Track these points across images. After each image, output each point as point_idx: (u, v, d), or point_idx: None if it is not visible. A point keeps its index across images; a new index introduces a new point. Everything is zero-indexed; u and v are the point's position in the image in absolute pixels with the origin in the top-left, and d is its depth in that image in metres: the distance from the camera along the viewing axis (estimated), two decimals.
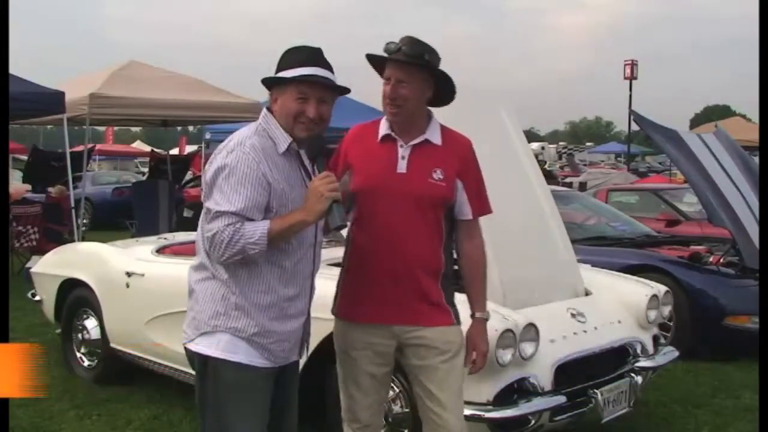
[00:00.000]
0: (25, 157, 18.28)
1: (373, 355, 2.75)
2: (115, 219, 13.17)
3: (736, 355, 5.82)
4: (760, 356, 3.61)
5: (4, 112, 3.48)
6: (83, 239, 8.99)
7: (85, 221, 11.87)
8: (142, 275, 4.84)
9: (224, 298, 2.42)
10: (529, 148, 4.82)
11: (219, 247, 2.32)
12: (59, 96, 8.83)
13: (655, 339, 4.30)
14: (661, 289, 4.42)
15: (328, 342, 3.60)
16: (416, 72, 2.66)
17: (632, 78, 32.21)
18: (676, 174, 19.43)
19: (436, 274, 2.74)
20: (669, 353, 4.28)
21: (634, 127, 23.76)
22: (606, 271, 4.83)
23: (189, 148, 31.50)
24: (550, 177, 20.49)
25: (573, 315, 3.95)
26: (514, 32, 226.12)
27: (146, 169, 19.11)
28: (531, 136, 62.04)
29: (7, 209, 9.02)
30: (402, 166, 2.72)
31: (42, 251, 7.21)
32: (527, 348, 3.49)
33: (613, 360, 3.96)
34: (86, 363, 5.36)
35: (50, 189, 11.16)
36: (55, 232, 9.83)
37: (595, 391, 3.70)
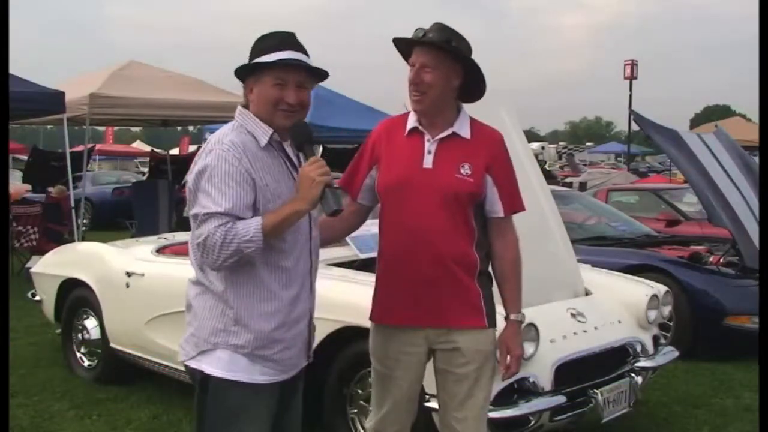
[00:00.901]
0: (25, 157, 18.32)
1: (406, 364, 2.66)
2: (115, 219, 13.18)
3: (736, 355, 5.81)
4: (760, 356, 3.61)
5: (4, 112, 3.48)
6: (83, 239, 8.99)
7: (85, 221, 11.88)
8: (142, 275, 4.84)
9: (223, 314, 2.30)
10: (530, 148, 4.81)
11: (212, 250, 2.18)
12: (59, 96, 8.83)
13: (655, 339, 4.30)
14: (661, 289, 4.42)
15: (329, 342, 3.62)
16: (441, 57, 2.56)
17: (632, 78, 32.24)
18: (676, 174, 19.43)
19: (469, 272, 2.63)
20: (669, 353, 4.28)
21: (634, 127, 23.75)
22: (606, 271, 4.83)
23: (190, 148, 31.52)
24: (549, 177, 20.54)
25: (573, 315, 3.94)
26: (514, 32, 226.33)
27: (146, 169, 19.10)
28: (531, 136, 62.07)
29: (7, 209, 9.03)
30: (428, 161, 2.62)
31: (42, 251, 7.21)
32: (527, 348, 3.48)
33: (613, 360, 3.95)
34: (86, 363, 5.36)
35: (50, 189, 11.15)
36: (55, 232, 9.83)
37: (595, 391, 3.69)
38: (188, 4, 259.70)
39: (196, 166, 2.27)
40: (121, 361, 5.06)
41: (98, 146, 26.10)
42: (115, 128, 35.63)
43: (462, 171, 2.60)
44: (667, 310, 4.46)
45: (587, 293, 4.31)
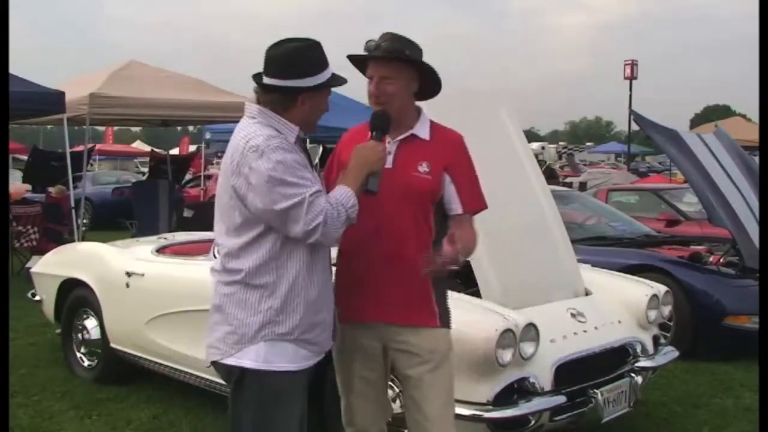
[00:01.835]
0: (25, 157, 18.30)
1: (362, 357, 2.75)
2: (115, 219, 13.18)
3: (736, 355, 5.81)
4: (760, 356, 3.61)
5: (4, 112, 3.48)
6: (83, 239, 8.99)
7: (85, 221, 11.87)
8: (142, 275, 4.84)
9: (267, 307, 2.41)
10: (529, 148, 4.81)
11: (334, 222, 2.34)
12: (59, 96, 8.83)
13: (655, 339, 4.30)
14: (661, 289, 4.42)
15: None
16: (399, 67, 2.65)
17: (632, 78, 32.24)
18: (676, 174, 19.44)
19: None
20: (669, 353, 4.28)
21: (634, 127, 23.78)
22: (606, 271, 4.83)
23: (191, 148, 31.51)
24: (552, 176, 20.54)
25: (573, 315, 3.94)
26: (515, 32, 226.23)
27: (146, 169, 19.10)
28: (531, 136, 61.98)
29: (7, 209, 9.03)
30: (389, 162, 2.70)
31: (42, 251, 7.21)
32: (527, 348, 3.49)
33: (613, 360, 3.95)
34: (86, 363, 5.36)
35: (50, 189, 11.15)
36: (55, 232, 9.83)
37: (595, 391, 3.70)
38: (188, 3, 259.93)
39: (260, 168, 2.32)
40: (121, 361, 5.06)
41: (98, 146, 26.09)
42: (115, 128, 35.64)
43: (420, 169, 2.69)
44: (667, 310, 4.46)
45: (587, 293, 4.31)
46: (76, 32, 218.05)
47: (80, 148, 11.73)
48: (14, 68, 7.64)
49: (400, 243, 2.66)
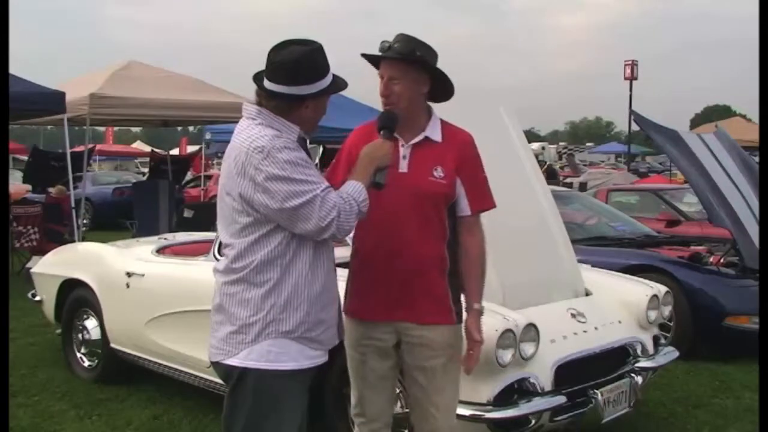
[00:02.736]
0: (25, 157, 18.31)
1: (375, 351, 2.79)
2: (115, 219, 13.19)
3: (736, 355, 5.82)
4: (760, 356, 3.61)
5: (4, 112, 3.49)
6: (83, 239, 8.99)
7: (85, 221, 11.87)
8: (143, 275, 4.84)
9: (271, 304, 2.41)
10: (529, 148, 4.81)
11: (348, 217, 2.37)
12: (59, 96, 8.83)
13: (656, 339, 4.30)
14: (661, 289, 4.42)
15: None
16: (408, 68, 2.68)
17: (632, 78, 32.26)
18: (676, 174, 19.45)
19: (441, 271, 2.75)
20: (669, 353, 4.28)
21: (635, 127, 23.78)
22: (606, 271, 4.83)
23: (190, 149, 31.51)
24: (553, 176, 20.54)
25: (573, 315, 3.94)
26: (514, 32, 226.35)
27: (146, 170, 19.11)
28: (531, 136, 62.01)
29: (7, 209, 9.03)
30: (403, 166, 2.74)
31: (42, 251, 7.22)
32: (527, 348, 3.49)
33: (613, 360, 3.95)
34: (86, 363, 5.36)
35: (50, 189, 11.16)
36: (56, 232, 9.83)
37: (596, 391, 3.70)
38: (188, 3, 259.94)
39: (268, 169, 2.33)
40: (121, 361, 5.07)
41: (98, 146, 26.11)
42: (116, 128, 35.65)
43: (435, 174, 2.73)
44: (667, 310, 4.46)
45: (587, 293, 4.31)
46: (76, 32, 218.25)
47: (80, 148, 11.74)
48: (14, 68, 7.65)
49: (415, 244, 2.70)
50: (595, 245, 6.75)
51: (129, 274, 4.90)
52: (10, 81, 7.17)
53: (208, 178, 16.99)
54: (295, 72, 2.42)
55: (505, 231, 3.84)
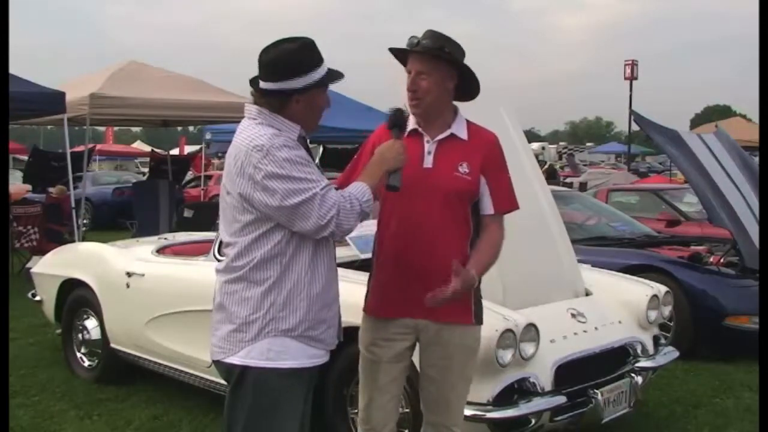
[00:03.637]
0: (25, 157, 18.32)
1: (391, 351, 2.77)
2: (115, 219, 13.19)
3: (736, 355, 5.82)
4: (760, 356, 3.61)
5: (4, 112, 3.48)
6: (84, 239, 8.99)
7: (85, 221, 11.88)
8: (143, 275, 4.84)
9: (270, 303, 2.40)
10: (530, 148, 4.81)
11: (348, 216, 2.35)
12: (59, 96, 8.83)
13: (656, 339, 4.30)
14: (661, 289, 4.42)
15: None
16: (435, 64, 2.67)
17: (632, 78, 32.28)
18: (676, 174, 19.44)
19: None
20: (669, 353, 4.28)
21: (635, 127, 23.79)
22: (606, 271, 4.83)
23: (188, 149, 31.52)
24: (553, 176, 20.55)
25: (573, 315, 3.94)
26: (515, 32, 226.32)
27: (146, 169, 19.11)
28: (531, 136, 62.04)
29: (7, 209, 9.03)
30: (428, 161, 2.73)
31: (42, 251, 7.21)
32: (527, 348, 3.49)
33: (613, 360, 3.95)
34: (86, 363, 5.36)
35: (51, 189, 11.16)
36: (56, 232, 9.83)
37: (596, 391, 3.70)
38: (189, 3, 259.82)
39: (267, 167, 2.33)
40: (121, 361, 5.07)
41: (98, 146, 26.09)
42: (116, 128, 35.62)
43: (460, 170, 2.71)
44: (667, 310, 4.46)
45: (587, 293, 4.31)
46: (76, 32, 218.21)
47: (80, 148, 11.73)
48: (14, 68, 7.65)
49: (438, 242, 2.69)
50: (595, 245, 6.75)
51: (129, 274, 4.90)
52: (11, 81, 7.17)
53: (208, 178, 16.99)
54: (279, 68, 2.44)
55: (505, 231, 3.84)
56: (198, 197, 15.31)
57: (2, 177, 8.47)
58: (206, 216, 8.45)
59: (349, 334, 3.58)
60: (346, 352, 3.71)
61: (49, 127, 17.76)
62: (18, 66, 25.24)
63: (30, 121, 11.14)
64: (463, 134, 2.76)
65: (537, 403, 3.45)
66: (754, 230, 6.08)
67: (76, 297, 5.41)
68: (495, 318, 3.39)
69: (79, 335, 5.39)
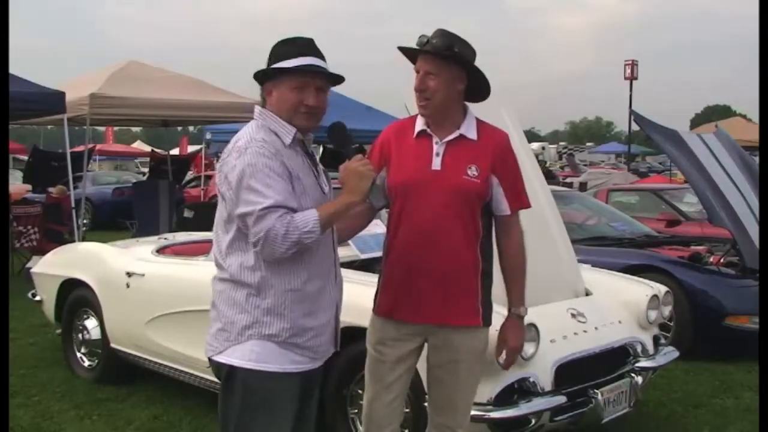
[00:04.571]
0: (25, 157, 18.32)
1: (400, 351, 2.77)
2: (115, 219, 13.18)
3: (736, 355, 5.81)
4: (760, 356, 3.61)
5: (4, 112, 3.48)
6: (84, 239, 8.99)
7: (85, 221, 11.87)
8: (143, 275, 4.84)
9: (254, 306, 2.39)
10: (530, 148, 4.81)
11: (274, 242, 2.27)
12: (59, 96, 8.83)
13: (656, 339, 4.30)
14: (661, 289, 4.42)
15: None
16: (444, 64, 2.64)
17: (632, 78, 32.31)
18: (676, 174, 19.41)
19: (473, 272, 2.72)
20: (669, 353, 4.28)
21: (635, 127, 23.77)
22: (606, 271, 4.83)
23: (190, 149, 31.50)
24: (550, 177, 20.52)
25: (573, 315, 3.94)
26: (514, 32, 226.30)
27: (146, 169, 19.10)
28: (531, 136, 62.08)
29: (7, 209, 9.03)
30: (437, 163, 2.70)
31: (42, 251, 7.21)
32: (527, 348, 3.48)
33: (613, 360, 3.95)
34: (86, 363, 5.36)
35: (51, 189, 11.16)
36: (56, 232, 9.83)
37: (596, 391, 3.70)
38: (189, 3, 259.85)
39: (236, 169, 2.34)
40: (121, 361, 5.06)
41: (98, 146, 26.10)
42: (116, 128, 35.61)
43: (469, 172, 2.68)
44: (667, 310, 4.46)
45: (587, 293, 4.31)
46: (76, 32, 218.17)
47: (80, 148, 11.74)
48: (14, 68, 7.65)
49: (447, 244, 2.68)
50: (595, 245, 6.75)
51: (129, 274, 4.90)
52: (11, 81, 7.17)
53: (209, 178, 16.98)
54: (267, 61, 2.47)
55: None
56: (198, 197, 15.30)
57: (2, 177, 8.47)
58: (206, 216, 8.40)
59: (350, 334, 3.61)
60: (345, 353, 3.72)
61: (49, 127, 17.78)
62: (18, 66, 25.24)
63: (30, 121, 11.13)
64: (473, 134, 2.73)
65: (537, 403, 3.45)
66: (754, 230, 6.07)
67: (76, 297, 5.41)
68: (495, 318, 3.38)
69: (79, 335, 5.39)
